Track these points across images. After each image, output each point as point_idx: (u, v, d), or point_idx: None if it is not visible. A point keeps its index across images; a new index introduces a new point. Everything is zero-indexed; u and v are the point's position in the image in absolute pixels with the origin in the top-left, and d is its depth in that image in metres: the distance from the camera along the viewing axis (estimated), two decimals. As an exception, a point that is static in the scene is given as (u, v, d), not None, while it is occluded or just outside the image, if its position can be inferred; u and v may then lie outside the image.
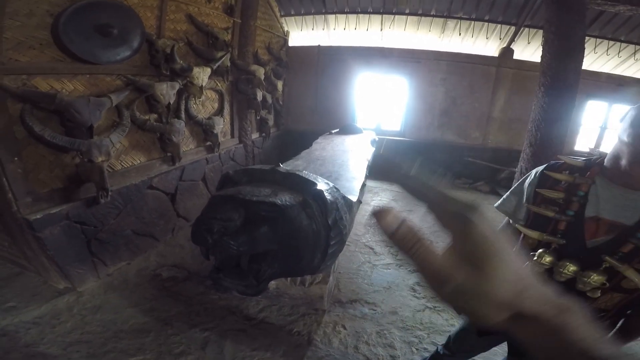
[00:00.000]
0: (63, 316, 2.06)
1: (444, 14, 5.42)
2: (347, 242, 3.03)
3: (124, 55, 2.49)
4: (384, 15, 5.66)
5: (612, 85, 5.30)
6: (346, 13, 5.73)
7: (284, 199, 1.53)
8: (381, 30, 5.88)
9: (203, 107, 3.62)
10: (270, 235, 1.49)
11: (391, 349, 2.01)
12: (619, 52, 5.21)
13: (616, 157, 0.82)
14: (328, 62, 6.06)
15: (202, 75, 3.14)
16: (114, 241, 2.59)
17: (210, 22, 3.53)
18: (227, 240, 1.42)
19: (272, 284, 2.28)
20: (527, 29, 5.27)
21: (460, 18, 5.42)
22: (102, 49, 2.33)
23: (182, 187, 3.35)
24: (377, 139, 4.73)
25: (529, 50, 5.57)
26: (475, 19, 5.39)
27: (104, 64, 2.38)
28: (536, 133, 3.48)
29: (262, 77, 4.32)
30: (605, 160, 0.87)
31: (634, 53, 5.17)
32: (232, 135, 4.42)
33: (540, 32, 4.55)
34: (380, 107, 6.35)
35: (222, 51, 3.53)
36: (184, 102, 3.16)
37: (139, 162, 2.85)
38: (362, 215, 3.97)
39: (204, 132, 3.58)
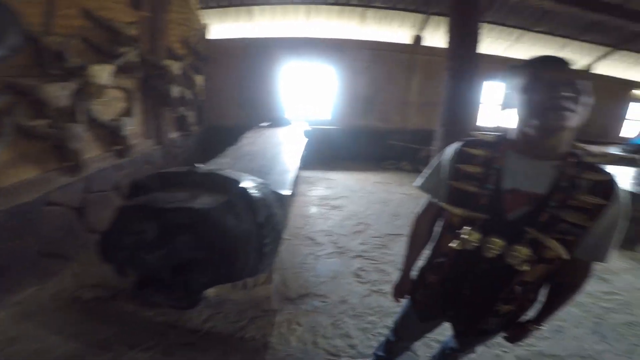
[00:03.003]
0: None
1: (361, 3, 5.60)
2: (287, 237, 3.00)
3: (-2, 56, 2.04)
4: (309, 6, 5.64)
5: (504, 67, 6.09)
6: (271, 4, 5.57)
7: (203, 202, 1.41)
8: (307, 20, 5.86)
9: (108, 107, 3.19)
10: (193, 242, 1.36)
11: (348, 338, 2.01)
12: (509, 36, 6.00)
13: (520, 130, 0.86)
14: (254, 54, 5.85)
15: (102, 73, 2.75)
16: (14, 266, 2.17)
17: (112, 16, 3.09)
18: (141, 255, 1.27)
19: (212, 291, 2.14)
20: (437, 17, 5.71)
21: (375, 7, 5.65)
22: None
23: (91, 199, 2.93)
24: (310, 129, 4.75)
25: (439, 37, 6.08)
26: (389, 8, 5.67)
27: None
28: (447, 114, 3.83)
29: (178, 72, 3.97)
30: (513, 133, 0.90)
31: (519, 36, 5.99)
32: (147, 136, 4.00)
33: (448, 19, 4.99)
34: (311, 98, 6.38)
35: (126, 47, 3.14)
36: (82, 103, 2.74)
37: (30, 176, 2.40)
38: (300, 207, 3.97)
39: (111, 135, 3.16)
